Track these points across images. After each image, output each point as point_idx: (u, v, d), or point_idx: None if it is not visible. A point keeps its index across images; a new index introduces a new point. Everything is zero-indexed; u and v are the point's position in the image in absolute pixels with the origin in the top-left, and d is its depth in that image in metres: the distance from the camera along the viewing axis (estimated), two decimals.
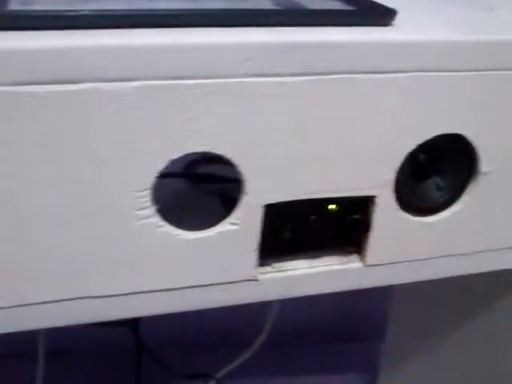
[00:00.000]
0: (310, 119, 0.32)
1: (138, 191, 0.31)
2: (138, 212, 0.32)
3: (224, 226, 0.34)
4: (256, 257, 0.35)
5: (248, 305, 0.47)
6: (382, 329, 0.73)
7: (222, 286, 0.36)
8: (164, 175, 0.32)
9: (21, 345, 0.62)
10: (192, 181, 0.41)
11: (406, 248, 0.39)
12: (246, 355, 0.59)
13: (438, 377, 0.67)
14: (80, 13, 0.30)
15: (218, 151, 0.32)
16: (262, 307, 0.56)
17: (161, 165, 0.31)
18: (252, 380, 0.68)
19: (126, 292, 0.34)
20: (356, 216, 0.37)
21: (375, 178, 0.35)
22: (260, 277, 0.36)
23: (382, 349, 0.76)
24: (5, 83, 0.27)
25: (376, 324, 0.78)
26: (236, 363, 0.59)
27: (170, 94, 0.30)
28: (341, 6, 0.34)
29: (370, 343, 0.82)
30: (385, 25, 0.34)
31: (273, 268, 0.37)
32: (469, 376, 0.61)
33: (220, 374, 0.59)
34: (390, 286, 0.71)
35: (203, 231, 0.34)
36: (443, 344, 0.64)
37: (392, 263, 0.39)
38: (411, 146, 0.35)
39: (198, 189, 0.41)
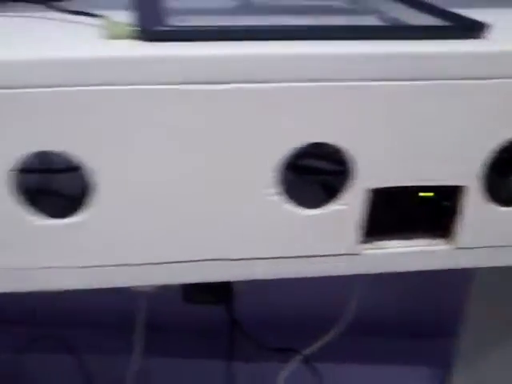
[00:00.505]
0: (413, 117, 0.38)
1: (268, 172, 0.38)
2: (267, 190, 0.39)
3: (335, 206, 0.40)
4: (360, 234, 0.42)
5: (335, 288, 0.53)
6: (458, 325, 0.77)
7: (330, 257, 0.42)
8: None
9: (122, 320, 0.69)
10: (301, 172, 0.47)
11: (490, 235, 0.44)
12: (330, 336, 0.65)
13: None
14: (230, 28, 0.37)
15: (334, 142, 0.39)
16: (347, 293, 0.62)
17: (286, 153, 0.38)
18: (335, 360, 0.74)
19: (250, 257, 0.41)
20: (447, 203, 0.43)
21: (466, 170, 0.41)
22: (362, 252, 0.43)
23: (457, 344, 0.79)
24: (174, 82, 0.35)
25: (452, 321, 0.82)
26: (321, 343, 0.65)
27: (297, 93, 0.37)
28: (439, 22, 0.40)
29: (444, 340, 0.86)
30: (478, 37, 0.40)
31: (373, 245, 0.43)
32: None
33: (307, 352, 0.65)
34: (470, 283, 0.76)
35: (319, 209, 0.40)
36: None
37: (477, 247, 0.44)
38: (499, 143, 0.40)
39: (304, 179, 0.47)
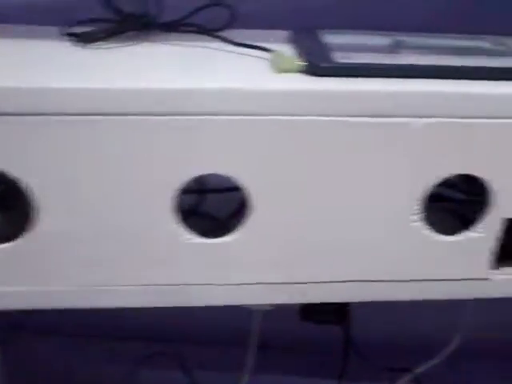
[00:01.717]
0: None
1: (414, 201, 0.42)
2: (412, 217, 0.42)
3: (471, 233, 0.43)
4: (492, 260, 0.45)
5: (445, 308, 0.54)
6: None
7: (460, 281, 0.45)
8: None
9: (236, 337, 0.71)
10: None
11: None
12: (441, 357, 0.66)
13: None
14: (384, 66, 0.41)
15: (475, 173, 0.42)
16: (458, 314, 0.63)
17: (433, 182, 0.41)
18: (443, 379, 0.75)
19: (392, 279, 0.45)
20: None
21: None
22: (492, 277, 0.45)
23: None
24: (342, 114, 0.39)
25: None
26: (432, 363, 0.67)
27: (451, 128, 0.40)
28: None
29: None
30: None
31: (502, 272, 0.46)
32: None
33: (418, 371, 0.68)
34: None
35: (455, 236, 0.44)
36: None
37: None
38: None
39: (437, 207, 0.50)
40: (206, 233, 0.43)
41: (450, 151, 0.41)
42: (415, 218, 0.42)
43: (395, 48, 0.46)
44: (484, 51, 0.47)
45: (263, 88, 0.38)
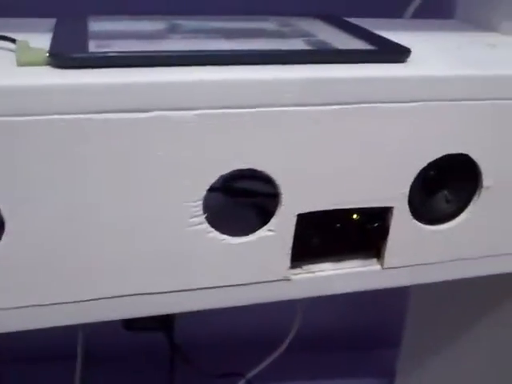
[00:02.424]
0: (338, 142, 0.38)
1: (192, 201, 0.37)
2: (191, 220, 0.38)
3: (263, 233, 0.40)
4: (289, 259, 0.41)
5: (276, 307, 0.52)
6: (399, 336, 0.78)
7: (259, 284, 0.41)
8: (210, 189, 0.38)
9: (60, 348, 0.67)
10: (231, 195, 0.46)
11: (419, 253, 0.44)
12: (273, 356, 0.64)
13: (453, 381, 0.71)
14: (150, 54, 0.36)
15: (260, 168, 0.38)
16: (289, 312, 0.61)
17: (212, 180, 0.37)
18: (278, 381, 0.73)
19: (176, 289, 0.40)
20: (375, 224, 0.43)
21: (392, 192, 0.41)
22: (292, 277, 0.42)
23: (399, 354, 0.80)
24: (88, 111, 0.33)
25: (393, 331, 0.83)
26: (264, 364, 0.64)
27: (223, 120, 0.36)
28: (364, 45, 0.40)
29: (387, 350, 0.86)
30: (401, 62, 0.40)
31: (303, 269, 0.42)
32: (484, 378, 0.66)
33: (249, 375, 0.64)
34: (407, 293, 0.77)
35: (245, 237, 0.40)
36: (457, 347, 0.69)
37: (406, 266, 0.44)
38: (423, 164, 0.41)
39: (236, 202, 0.46)
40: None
41: (229, 144, 0.36)
42: (197, 220, 0.38)
43: (168, 33, 0.41)
44: (267, 33, 0.44)
45: None
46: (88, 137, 0.34)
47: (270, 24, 0.46)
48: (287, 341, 0.64)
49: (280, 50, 0.38)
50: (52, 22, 0.43)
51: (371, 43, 0.41)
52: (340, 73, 0.37)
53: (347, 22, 0.48)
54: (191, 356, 0.65)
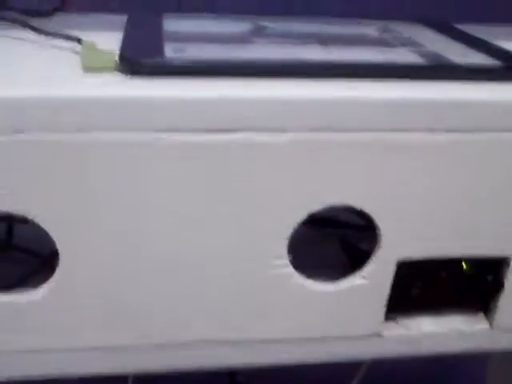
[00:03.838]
0: (448, 178, 0.31)
1: (278, 240, 0.31)
2: (275, 261, 0.32)
3: (355, 280, 0.33)
4: (383, 312, 0.35)
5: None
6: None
7: (346, 340, 0.35)
8: None
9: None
10: (315, 225, 0.40)
11: None
12: None
13: None
14: (231, 62, 0.30)
15: (357, 205, 0.31)
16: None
17: (301, 216, 0.31)
18: None
19: (253, 339, 0.34)
20: (488, 277, 0.35)
21: (510, 240, 0.34)
22: (385, 332, 0.35)
23: None
24: (157, 129, 0.28)
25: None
26: None
27: (318, 146, 0.29)
28: (485, 59, 0.33)
29: None
30: None
31: (398, 324, 0.36)
32: None
33: None
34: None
35: (333, 284, 0.33)
36: None
37: None
38: None
39: (320, 233, 0.40)
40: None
41: (323, 176, 0.30)
42: (282, 262, 0.32)
43: (253, 36, 0.35)
44: (368, 40, 0.37)
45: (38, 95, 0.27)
46: (159, 159, 0.28)
47: (368, 29, 0.39)
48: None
49: (394, 64, 0.32)
50: (123, 18, 0.38)
51: (492, 56, 0.34)
52: (469, 94, 0.30)
53: (455, 28, 0.41)
54: None
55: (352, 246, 0.39)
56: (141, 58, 0.29)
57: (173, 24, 0.37)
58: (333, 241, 0.40)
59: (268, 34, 0.37)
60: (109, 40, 0.32)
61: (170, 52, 0.30)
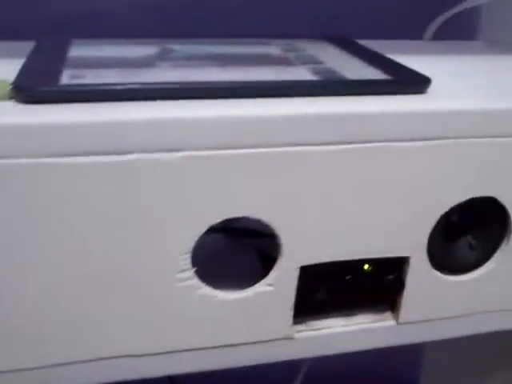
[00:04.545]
0: (346, 186, 0.33)
1: (179, 254, 0.32)
2: (179, 275, 0.33)
3: (260, 287, 0.35)
4: (291, 316, 0.36)
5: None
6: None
7: (257, 344, 0.36)
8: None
9: None
10: (228, 235, 0.41)
11: (438, 306, 0.39)
12: None
13: None
14: (126, 86, 0.31)
15: (256, 216, 0.33)
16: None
17: (201, 230, 0.32)
18: None
19: (163, 351, 0.35)
20: (390, 276, 0.37)
21: (409, 240, 0.36)
22: (295, 335, 0.37)
23: None
24: (48, 155, 0.29)
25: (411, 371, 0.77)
26: None
27: (212, 163, 0.31)
28: (378, 75, 0.36)
29: None
30: (419, 93, 0.35)
31: (307, 326, 0.38)
32: None
33: None
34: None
35: (240, 292, 0.35)
36: None
37: (425, 321, 0.39)
38: (444, 209, 0.36)
39: (233, 243, 0.42)
40: None
41: (220, 190, 0.32)
42: (186, 274, 0.33)
43: (157, 60, 0.37)
44: (269, 60, 0.39)
45: None
46: (58, 183, 0.29)
47: (273, 49, 0.41)
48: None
49: (280, 82, 0.33)
50: (31, 45, 0.39)
51: (386, 72, 0.36)
52: (348, 108, 0.32)
53: (359, 45, 0.43)
54: None
55: (266, 254, 0.40)
56: (34, 86, 0.30)
57: (79, 49, 0.38)
58: (248, 250, 0.42)
59: (172, 58, 0.38)
60: (9, 68, 0.33)
61: (67, 79, 0.31)
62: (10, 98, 0.30)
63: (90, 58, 0.36)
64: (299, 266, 0.35)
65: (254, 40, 0.44)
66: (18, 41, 0.42)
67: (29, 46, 0.39)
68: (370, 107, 0.32)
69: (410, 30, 0.52)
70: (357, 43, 0.44)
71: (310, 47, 0.42)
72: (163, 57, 0.38)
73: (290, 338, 0.37)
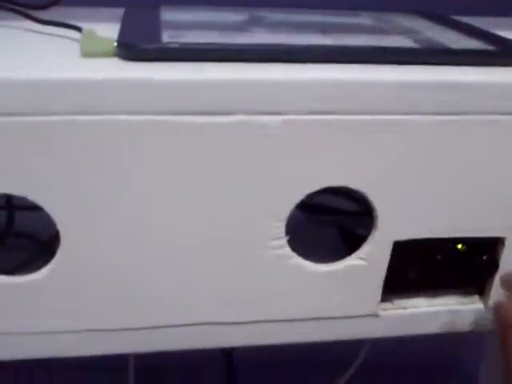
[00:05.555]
0: (449, 159, 0.32)
1: (274, 222, 0.32)
2: (272, 242, 0.32)
3: (352, 261, 0.34)
4: (379, 293, 0.35)
5: None
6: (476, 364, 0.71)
7: (343, 319, 0.35)
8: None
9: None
10: (311, 212, 0.41)
11: None
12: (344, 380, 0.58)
13: None
14: (227, 47, 0.30)
15: (354, 186, 0.32)
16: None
17: (298, 198, 0.32)
18: None
19: (252, 320, 0.34)
20: (483, 257, 0.36)
21: (505, 220, 0.35)
22: (381, 313, 0.36)
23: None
24: (160, 112, 0.28)
25: (470, 359, 0.75)
26: None
27: (315, 128, 0.30)
28: (480, 45, 0.34)
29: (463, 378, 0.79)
30: None
31: (393, 305, 0.36)
32: None
33: None
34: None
35: (332, 264, 0.34)
36: None
37: None
38: None
39: (317, 220, 0.41)
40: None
41: (319, 158, 0.31)
42: (279, 243, 0.32)
43: (249, 25, 0.36)
44: (365, 29, 0.38)
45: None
46: (158, 142, 0.29)
47: (365, 19, 0.40)
48: (356, 365, 0.58)
49: (393, 48, 0.32)
50: (120, 12, 0.39)
51: (487, 42, 0.35)
52: (455, 77, 0.31)
53: (451, 18, 0.42)
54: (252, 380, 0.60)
55: (349, 231, 0.39)
56: (139, 44, 0.29)
57: (170, 15, 0.37)
58: (330, 227, 0.41)
59: (264, 24, 0.37)
60: (107, 30, 0.33)
61: (168, 38, 0.31)
62: (114, 55, 0.30)
63: (184, 22, 0.36)
64: (393, 240, 0.34)
65: (341, 11, 0.42)
66: (107, 7, 0.42)
67: (118, 12, 0.39)
68: (479, 76, 0.31)
69: (499, 8, 0.50)
70: (448, 17, 0.42)
71: (401, 19, 0.41)
72: (255, 22, 0.37)
73: (376, 316, 0.36)
